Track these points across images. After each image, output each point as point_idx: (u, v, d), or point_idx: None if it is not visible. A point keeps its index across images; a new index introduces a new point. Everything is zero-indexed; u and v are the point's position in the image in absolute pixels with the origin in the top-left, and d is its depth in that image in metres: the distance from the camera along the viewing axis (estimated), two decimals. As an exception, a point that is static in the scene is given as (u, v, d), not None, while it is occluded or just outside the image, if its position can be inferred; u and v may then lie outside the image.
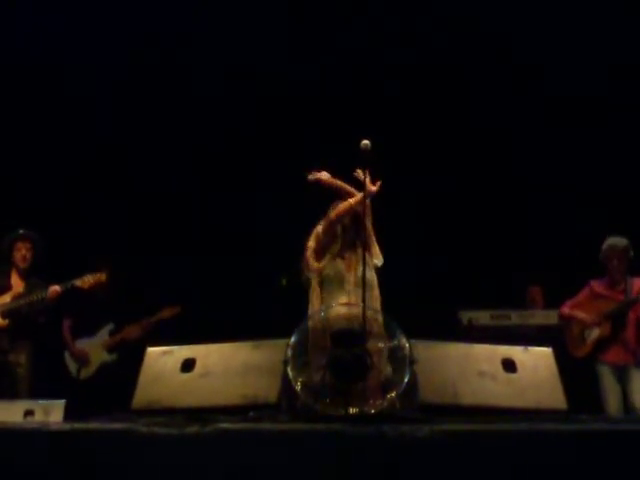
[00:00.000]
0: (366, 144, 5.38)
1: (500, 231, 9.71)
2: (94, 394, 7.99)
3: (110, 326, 8.63)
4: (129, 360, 8.19)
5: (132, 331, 8.61)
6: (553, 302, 8.42)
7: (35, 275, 8.04)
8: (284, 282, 9.17)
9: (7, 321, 7.72)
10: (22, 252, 7.95)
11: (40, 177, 9.82)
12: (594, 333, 7.51)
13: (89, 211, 9.90)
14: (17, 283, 7.95)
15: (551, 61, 9.40)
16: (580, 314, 7.60)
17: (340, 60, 9.74)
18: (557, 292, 8.36)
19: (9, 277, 7.99)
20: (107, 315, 8.68)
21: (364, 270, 5.25)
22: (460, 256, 9.40)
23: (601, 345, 7.47)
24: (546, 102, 9.63)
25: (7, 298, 7.80)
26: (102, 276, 7.85)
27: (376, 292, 6.05)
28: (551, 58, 9.36)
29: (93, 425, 4.30)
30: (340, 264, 6.12)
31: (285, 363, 4.63)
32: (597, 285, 7.68)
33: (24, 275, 7.99)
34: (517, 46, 9.44)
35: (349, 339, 4.60)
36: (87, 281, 7.79)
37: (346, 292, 5.98)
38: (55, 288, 7.73)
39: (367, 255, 5.66)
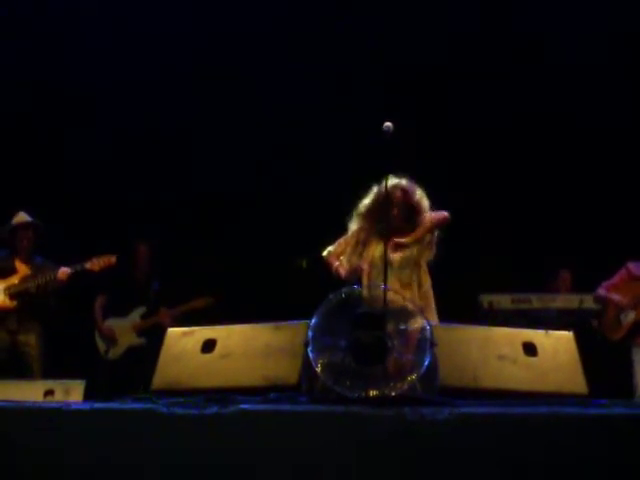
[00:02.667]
0: (388, 126, 5.37)
1: (526, 214, 9.68)
2: (120, 375, 8.05)
3: (142, 309, 8.67)
4: (157, 345, 8.29)
5: (164, 317, 8.63)
6: (581, 287, 8.41)
7: (40, 256, 8.08)
8: (304, 264, 9.17)
9: (15, 302, 7.75)
10: (24, 242, 8.00)
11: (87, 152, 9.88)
12: (630, 316, 7.44)
13: (128, 195, 9.93)
14: (22, 267, 7.98)
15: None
16: (616, 297, 7.53)
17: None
18: (585, 277, 8.34)
19: (13, 260, 8.05)
20: (140, 297, 8.70)
21: (386, 252, 5.35)
22: (483, 239, 9.38)
23: (637, 329, 7.42)
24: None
25: (15, 280, 7.85)
26: (111, 258, 7.86)
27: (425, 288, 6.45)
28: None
29: (113, 405, 4.31)
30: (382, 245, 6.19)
31: (306, 345, 4.64)
32: (634, 267, 7.60)
33: (27, 259, 8.04)
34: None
35: (370, 321, 4.59)
36: (97, 264, 7.80)
37: (392, 271, 6.17)
38: (65, 270, 7.75)
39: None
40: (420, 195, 6.49)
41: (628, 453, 3.76)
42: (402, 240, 6.39)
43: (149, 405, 4.21)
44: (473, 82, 9.71)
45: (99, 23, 9.74)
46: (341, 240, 6.64)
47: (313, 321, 4.68)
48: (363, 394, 4.44)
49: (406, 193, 6.46)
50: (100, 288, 8.61)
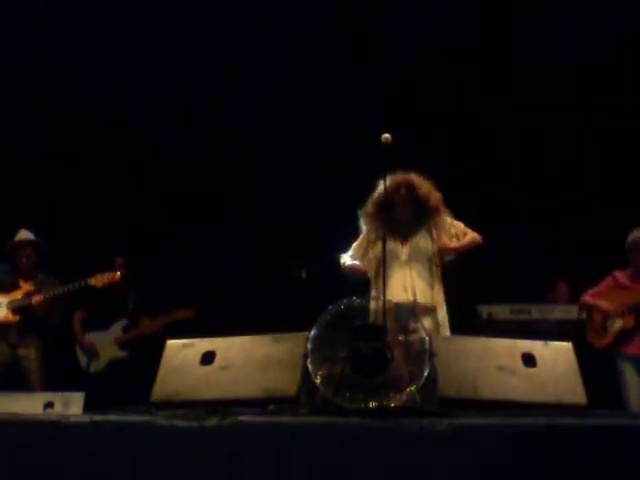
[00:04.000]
0: (387, 137, 5.39)
1: (526, 224, 9.69)
2: (104, 389, 8.02)
3: (123, 322, 8.63)
4: (139, 357, 8.29)
5: (146, 328, 8.60)
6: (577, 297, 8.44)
7: (42, 272, 8.10)
8: (303, 274, 9.18)
9: (18, 317, 7.77)
10: (23, 261, 8.03)
11: (56, 171, 9.85)
12: (617, 324, 7.45)
13: (104, 207, 9.90)
14: (24, 283, 8.01)
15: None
16: (604, 303, 7.53)
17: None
18: (582, 288, 8.35)
19: (15, 276, 8.07)
20: (120, 310, 8.67)
21: (384, 260, 5.33)
22: (479, 250, 9.38)
23: (623, 337, 7.42)
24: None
25: (18, 295, 7.87)
26: (116, 275, 7.87)
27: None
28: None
29: (112, 417, 4.31)
30: (392, 241, 6.29)
31: (305, 356, 4.64)
32: (620, 276, 7.62)
33: (29, 276, 8.07)
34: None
35: (369, 333, 4.59)
36: (101, 280, 7.81)
37: (400, 264, 6.31)
38: (37, 299, 7.78)
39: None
40: (428, 188, 6.42)
41: (627, 464, 3.76)
42: (451, 246, 6.44)
43: (148, 417, 4.21)
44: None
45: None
46: (355, 245, 6.61)
47: (312, 332, 4.69)
48: (363, 405, 4.45)
49: (412, 188, 6.39)
50: (77, 303, 8.55)
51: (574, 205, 9.68)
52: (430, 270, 6.39)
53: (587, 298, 7.73)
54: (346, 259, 6.54)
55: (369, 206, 6.46)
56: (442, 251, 6.42)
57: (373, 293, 6.27)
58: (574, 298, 8.74)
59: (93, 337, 8.57)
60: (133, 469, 4.01)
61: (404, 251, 6.36)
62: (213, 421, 4.02)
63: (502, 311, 8.32)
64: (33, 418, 4.48)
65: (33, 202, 9.58)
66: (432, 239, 6.45)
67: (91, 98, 9.79)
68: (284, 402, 4.80)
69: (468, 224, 6.56)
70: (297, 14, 9.56)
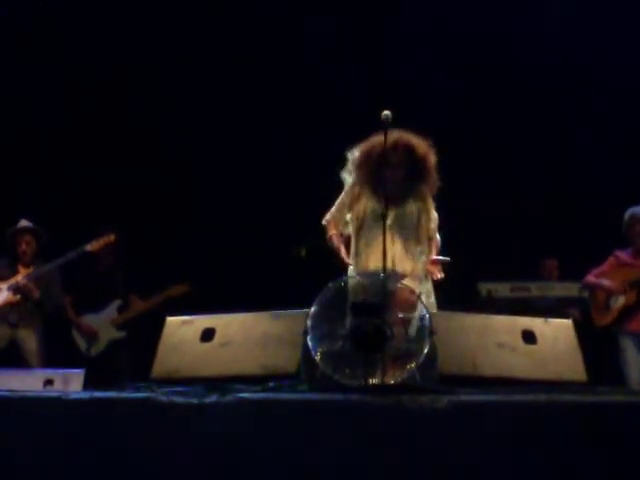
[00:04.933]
0: (387, 115, 5.36)
1: (516, 203, 9.69)
2: (105, 370, 8.02)
3: (117, 302, 8.59)
4: (138, 336, 8.28)
5: (140, 307, 8.56)
6: (568, 275, 8.43)
7: (41, 260, 8.12)
8: (303, 252, 9.15)
9: (18, 297, 7.79)
10: (22, 247, 8.08)
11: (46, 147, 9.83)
12: (619, 301, 7.46)
13: (96, 181, 9.85)
14: (24, 269, 8.04)
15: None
16: (605, 282, 7.56)
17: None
18: (573, 265, 8.36)
19: (16, 268, 8.13)
20: (111, 290, 8.62)
21: (384, 240, 5.14)
22: (479, 227, 9.39)
23: (625, 314, 7.43)
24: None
25: (19, 277, 7.91)
26: (110, 237, 7.90)
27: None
28: None
29: (112, 394, 4.32)
30: (377, 201, 5.87)
31: (305, 333, 4.64)
32: (621, 254, 7.65)
33: (29, 263, 8.15)
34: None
35: (368, 310, 4.58)
36: (97, 244, 7.85)
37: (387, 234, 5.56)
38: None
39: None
40: (426, 149, 5.93)
41: (628, 440, 3.76)
42: (438, 276, 6.27)
43: (148, 394, 4.21)
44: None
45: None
46: (338, 202, 6.18)
47: (312, 310, 4.68)
48: (362, 382, 4.45)
49: (410, 148, 5.88)
50: (65, 287, 8.51)
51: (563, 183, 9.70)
52: (416, 240, 5.98)
53: (590, 278, 7.74)
54: (325, 220, 6.19)
55: (359, 155, 5.98)
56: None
57: (351, 261, 5.99)
58: (563, 275, 8.78)
59: (89, 319, 8.53)
60: (132, 446, 4.01)
61: (389, 215, 5.66)
62: (213, 398, 4.02)
63: (502, 288, 8.29)
64: (33, 395, 4.48)
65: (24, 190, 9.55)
66: (419, 210, 5.99)
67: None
68: (284, 379, 4.81)
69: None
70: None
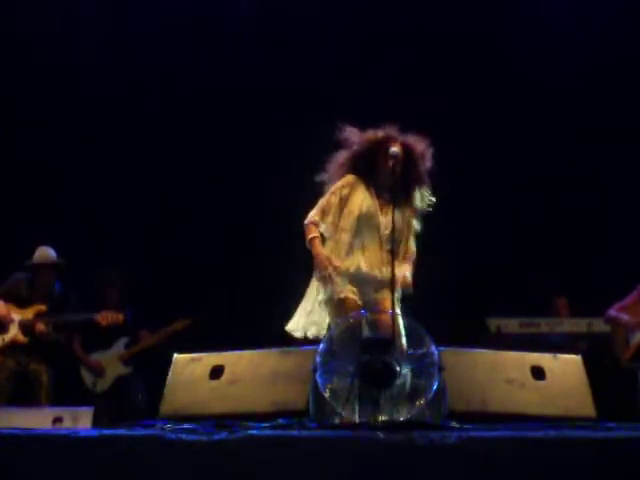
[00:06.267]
0: (395, 152, 5.36)
1: (529, 238, 9.66)
2: (112, 406, 8.03)
3: (125, 339, 8.61)
4: (144, 372, 8.29)
5: (147, 342, 8.57)
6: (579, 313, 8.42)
7: (59, 284, 8.02)
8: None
9: (27, 338, 7.70)
10: (45, 280, 7.88)
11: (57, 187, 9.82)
12: (638, 336, 7.42)
13: (103, 220, 9.83)
14: (39, 299, 7.87)
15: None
16: (624, 317, 7.51)
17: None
18: (584, 304, 8.33)
19: (31, 289, 7.92)
20: (118, 328, 8.63)
21: (393, 272, 5.15)
22: (488, 263, 9.36)
23: None
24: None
25: (29, 314, 7.74)
26: (120, 317, 7.84)
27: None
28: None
29: (121, 432, 4.31)
30: (372, 204, 5.58)
31: (314, 370, 4.64)
32: None
33: (46, 293, 7.92)
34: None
35: (378, 346, 4.59)
36: (106, 318, 7.76)
37: (378, 237, 5.52)
38: (40, 327, 7.66)
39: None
40: (422, 149, 5.65)
41: (637, 476, 3.75)
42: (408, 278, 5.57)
43: (157, 432, 4.21)
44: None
45: None
46: (323, 204, 5.70)
47: (321, 346, 4.68)
48: (372, 419, 4.45)
49: (407, 147, 5.59)
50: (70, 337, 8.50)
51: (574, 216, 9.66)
52: (405, 245, 5.65)
53: (611, 312, 7.68)
54: (308, 220, 5.68)
55: (352, 154, 5.69)
56: (402, 286, 5.47)
57: (340, 262, 5.53)
58: (574, 313, 8.74)
59: (96, 357, 8.55)
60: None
61: (382, 221, 5.52)
62: (222, 435, 4.02)
63: (511, 324, 8.29)
64: (43, 433, 4.48)
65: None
66: (406, 216, 5.63)
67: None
68: (293, 416, 4.81)
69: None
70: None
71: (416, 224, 5.74)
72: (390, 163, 5.44)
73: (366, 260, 5.51)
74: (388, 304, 5.22)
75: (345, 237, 5.56)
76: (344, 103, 8.38)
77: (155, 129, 9.54)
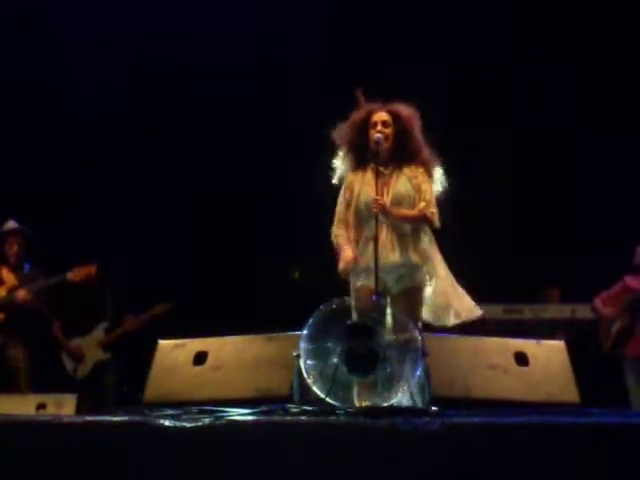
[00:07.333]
0: (379, 137, 5.35)
1: (518, 225, 9.66)
2: (92, 392, 8.02)
3: (104, 324, 8.58)
4: (123, 358, 8.28)
5: (127, 327, 8.54)
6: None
7: (28, 263, 8.03)
8: (297, 275, 9.16)
9: (2, 315, 7.68)
10: (14, 248, 7.95)
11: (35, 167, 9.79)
12: (616, 325, 7.46)
13: (82, 206, 9.81)
14: (9, 277, 7.90)
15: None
16: (604, 310, 7.57)
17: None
18: (574, 292, 8.34)
19: (1, 267, 7.99)
20: (99, 313, 8.61)
21: (376, 258, 5.15)
22: (472, 249, 9.36)
23: (623, 337, 7.43)
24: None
25: (2, 291, 7.80)
26: (92, 268, 7.81)
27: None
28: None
29: (104, 418, 4.30)
30: (370, 190, 5.42)
31: (297, 356, 4.63)
32: (630, 280, 7.62)
33: (15, 269, 7.99)
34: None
35: (361, 332, 4.58)
36: (78, 274, 7.75)
37: (381, 219, 5.27)
38: (22, 294, 7.68)
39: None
40: (410, 114, 5.55)
41: (621, 462, 3.76)
42: (384, 203, 5.29)
43: (141, 418, 4.20)
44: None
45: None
46: (339, 208, 5.67)
47: (304, 332, 4.67)
48: (355, 405, 4.45)
49: (394, 114, 5.52)
50: (53, 313, 8.46)
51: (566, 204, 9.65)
52: (415, 227, 5.49)
53: (597, 303, 7.72)
54: (334, 235, 5.61)
55: (345, 152, 5.64)
56: (375, 202, 5.24)
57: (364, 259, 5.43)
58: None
59: (77, 342, 8.52)
60: (126, 470, 4.00)
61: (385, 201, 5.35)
62: (205, 421, 4.01)
63: (495, 310, 8.29)
64: (26, 419, 4.47)
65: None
66: (412, 184, 5.50)
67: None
68: (277, 402, 4.81)
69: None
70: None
71: (430, 188, 5.53)
72: (373, 146, 5.40)
73: (377, 250, 5.19)
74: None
75: (355, 234, 5.50)
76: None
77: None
